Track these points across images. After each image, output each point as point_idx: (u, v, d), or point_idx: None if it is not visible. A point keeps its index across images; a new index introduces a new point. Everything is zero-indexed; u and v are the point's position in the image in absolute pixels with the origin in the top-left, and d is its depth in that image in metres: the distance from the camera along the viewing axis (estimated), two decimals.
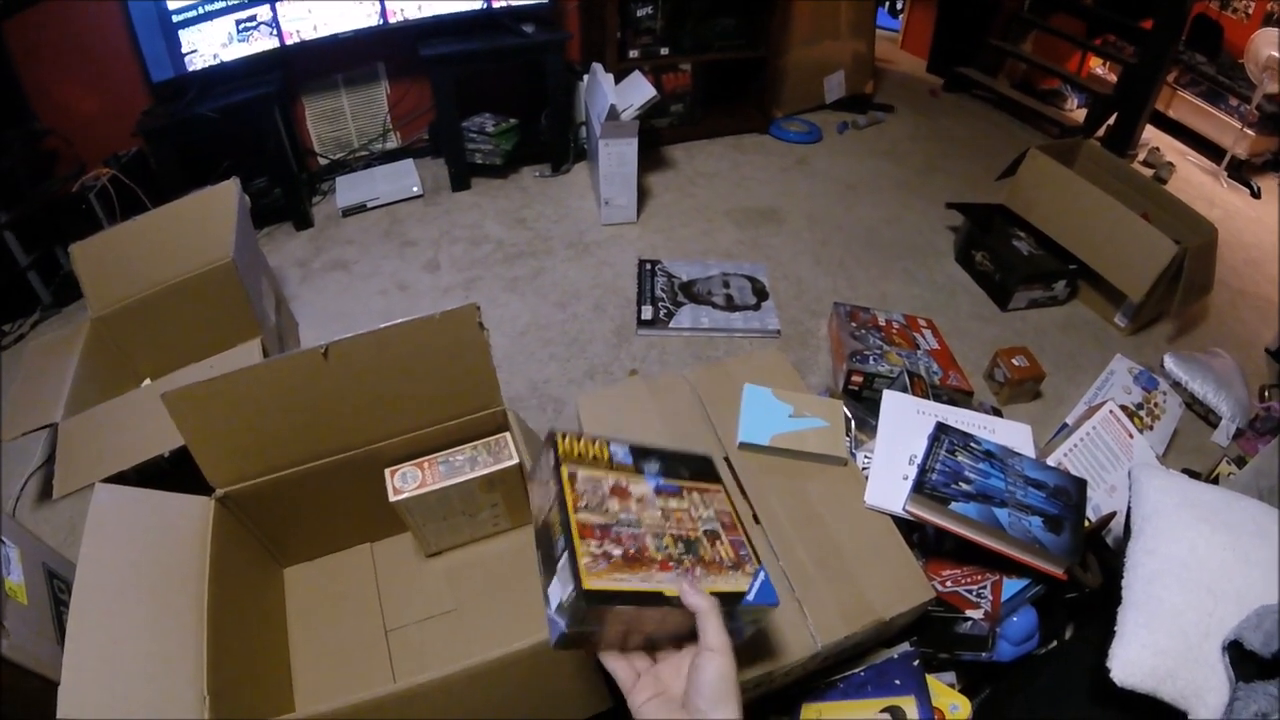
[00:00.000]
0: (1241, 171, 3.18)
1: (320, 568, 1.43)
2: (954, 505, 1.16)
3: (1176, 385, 1.87)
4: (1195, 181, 3.08)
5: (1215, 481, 1.56)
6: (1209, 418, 1.86)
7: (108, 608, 0.97)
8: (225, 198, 1.78)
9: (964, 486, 1.20)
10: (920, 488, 1.18)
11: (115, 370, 1.70)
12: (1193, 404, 1.88)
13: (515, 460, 1.27)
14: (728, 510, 0.85)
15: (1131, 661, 0.98)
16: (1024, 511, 1.19)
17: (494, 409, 1.30)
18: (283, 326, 1.90)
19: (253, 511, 1.26)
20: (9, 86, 2.11)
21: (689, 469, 0.87)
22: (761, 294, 2.18)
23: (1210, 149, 3.30)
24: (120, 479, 1.27)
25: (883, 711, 1.09)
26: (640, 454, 0.83)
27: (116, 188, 2.14)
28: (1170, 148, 3.29)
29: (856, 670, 1.17)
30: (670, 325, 2.05)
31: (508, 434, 1.32)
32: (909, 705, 1.08)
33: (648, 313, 2.09)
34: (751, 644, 1.03)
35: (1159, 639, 0.98)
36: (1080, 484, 1.27)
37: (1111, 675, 0.98)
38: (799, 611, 1.07)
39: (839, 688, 1.16)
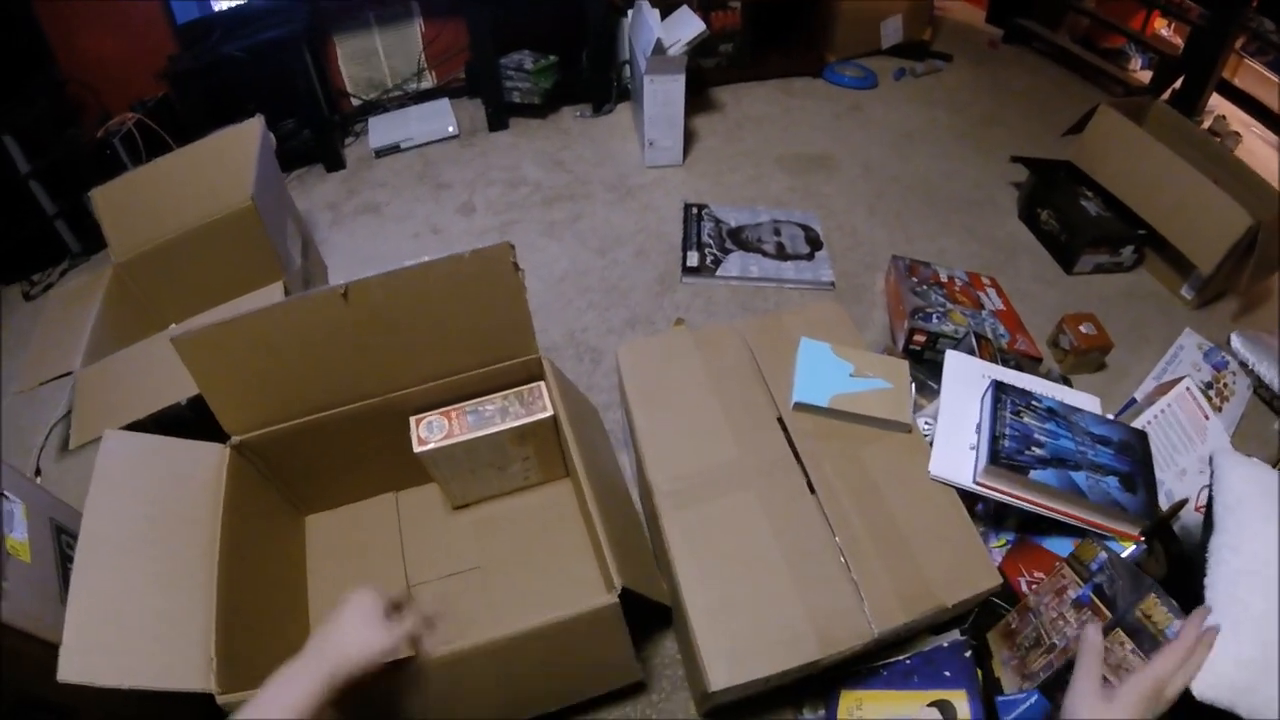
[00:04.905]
0: None
1: (342, 516, 1.38)
2: (1033, 474, 1.05)
3: (1243, 366, 1.73)
4: (1260, 155, 2.87)
5: None
6: (1274, 404, 1.72)
7: (114, 563, 0.92)
8: (248, 137, 1.69)
9: (1037, 451, 1.09)
10: (995, 457, 1.07)
11: (139, 317, 1.66)
12: (1258, 387, 1.73)
13: (549, 412, 1.19)
14: None
15: (1215, 673, 0.85)
16: (1099, 472, 1.08)
17: (528, 356, 1.21)
18: (309, 270, 1.83)
19: (271, 459, 1.21)
20: (32, 36, 2.06)
21: None
22: (815, 243, 2.05)
23: (1276, 122, 3.04)
24: (140, 428, 1.21)
25: (930, 705, 1.01)
26: None
27: (143, 133, 2.09)
28: (1235, 118, 3.06)
29: (902, 657, 1.07)
30: (717, 273, 1.94)
31: (542, 384, 1.23)
32: (959, 700, 0.99)
33: (693, 259, 1.97)
34: (799, 628, 0.95)
35: (1242, 649, 0.86)
36: (1141, 436, 1.16)
37: (1193, 687, 0.85)
38: (855, 594, 0.98)
39: (882, 675, 1.08)
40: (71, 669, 0.80)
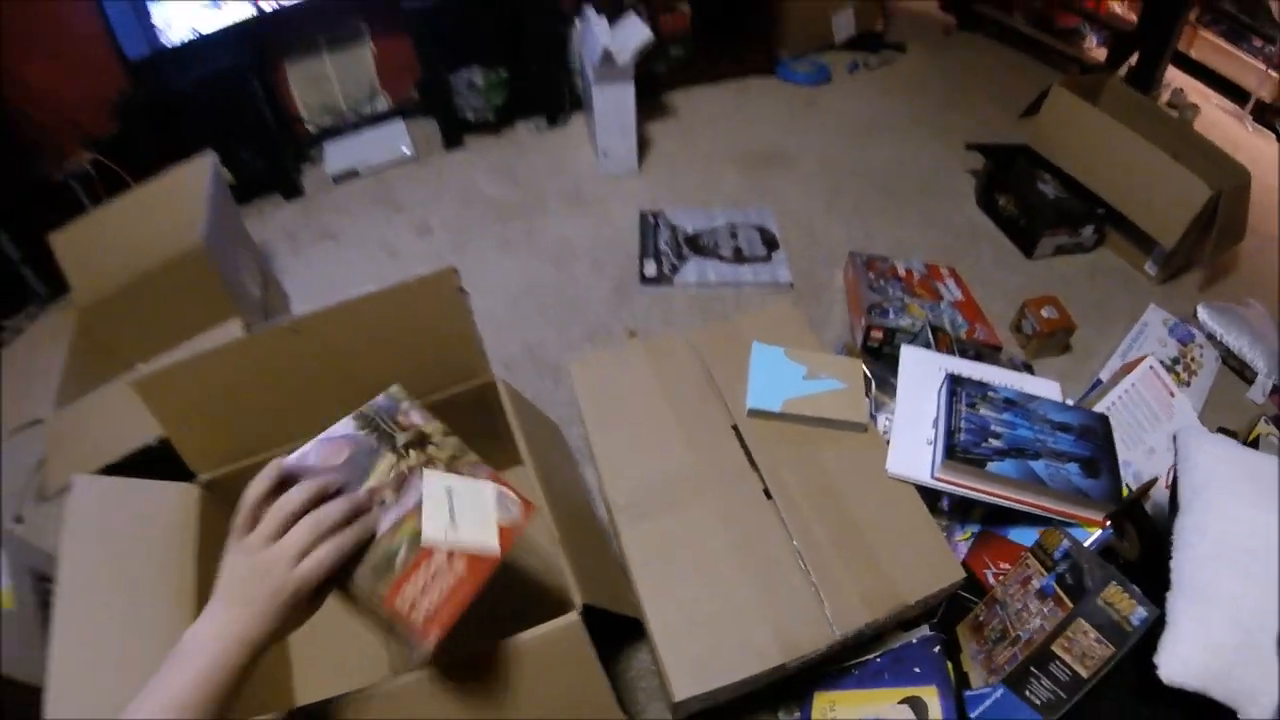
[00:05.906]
0: (1266, 115, 2.98)
1: None
2: (990, 466, 1.06)
3: (1211, 338, 1.75)
4: (1219, 125, 2.88)
5: (1255, 445, 1.43)
6: (1244, 373, 1.73)
7: (92, 607, 0.92)
8: (199, 174, 1.69)
9: (995, 443, 1.09)
10: (951, 452, 1.07)
11: (106, 359, 1.64)
12: (1227, 358, 1.75)
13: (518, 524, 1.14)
14: None
15: (1182, 659, 0.87)
16: (1059, 460, 1.09)
17: (483, 380, 1.21)
18: (270, 302, 1.82)
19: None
20: None
21: None
22: (771, 244, 2.05)
23: (1234, 91, 3.10)
24: (116, 470, 1.21)
25: (902, 703, 1.01)
26: None
27: (100, 171, 2.06)
28: (1192, 89, 3.08)
29: (872, 656, 1.08)
30: (675, 281, 1.94)
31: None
32: (930, 696, 1.00)
33: (650, 269, 1.97)
34: (761, 636, 0.95)
35: (1213, 634, 0.88)
36: (1103, 419, 1.17)
37: (1159, 673, 0.87)
38: (815, 597, 0.98)
39: (853, 675, 1.08)
40: (58, 709, 0.80)
